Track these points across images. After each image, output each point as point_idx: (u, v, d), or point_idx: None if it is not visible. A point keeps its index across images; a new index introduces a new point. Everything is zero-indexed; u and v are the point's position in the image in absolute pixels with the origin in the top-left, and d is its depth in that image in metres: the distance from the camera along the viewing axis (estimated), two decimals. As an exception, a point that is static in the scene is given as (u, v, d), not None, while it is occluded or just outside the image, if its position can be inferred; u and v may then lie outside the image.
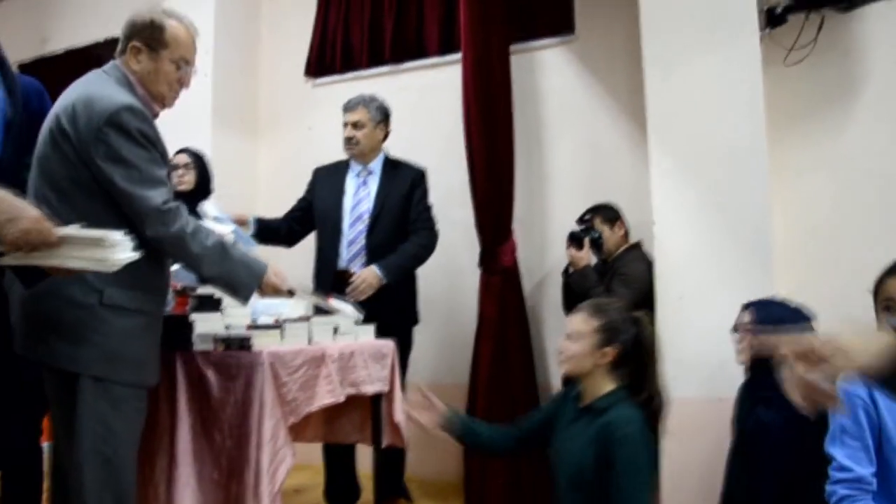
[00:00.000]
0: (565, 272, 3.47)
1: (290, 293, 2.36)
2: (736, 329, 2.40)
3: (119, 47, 2.21)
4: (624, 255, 3.43)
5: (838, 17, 3.45)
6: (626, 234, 3.51)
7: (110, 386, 2.02)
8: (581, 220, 3.50)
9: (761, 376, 2.21)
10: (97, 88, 2.10)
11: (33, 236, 1.67)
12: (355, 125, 3.51)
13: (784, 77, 3.48)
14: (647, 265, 3.29)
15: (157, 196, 2.04)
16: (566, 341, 2.12)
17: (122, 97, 2.07)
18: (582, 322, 2.12)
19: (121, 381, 2.04)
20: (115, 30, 2.28)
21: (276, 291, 2.30)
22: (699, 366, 2.95)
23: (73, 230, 1.74)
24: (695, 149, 3.17)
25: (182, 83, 2.27)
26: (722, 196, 3.10)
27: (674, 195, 3.21)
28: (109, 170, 2.00)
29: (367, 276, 3.29)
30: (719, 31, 3.16)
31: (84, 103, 2.04)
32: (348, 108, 3.54)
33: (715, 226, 3.12)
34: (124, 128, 2.02)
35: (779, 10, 3.36)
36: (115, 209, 2.04)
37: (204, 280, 2.26)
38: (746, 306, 2.40)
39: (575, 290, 3.28)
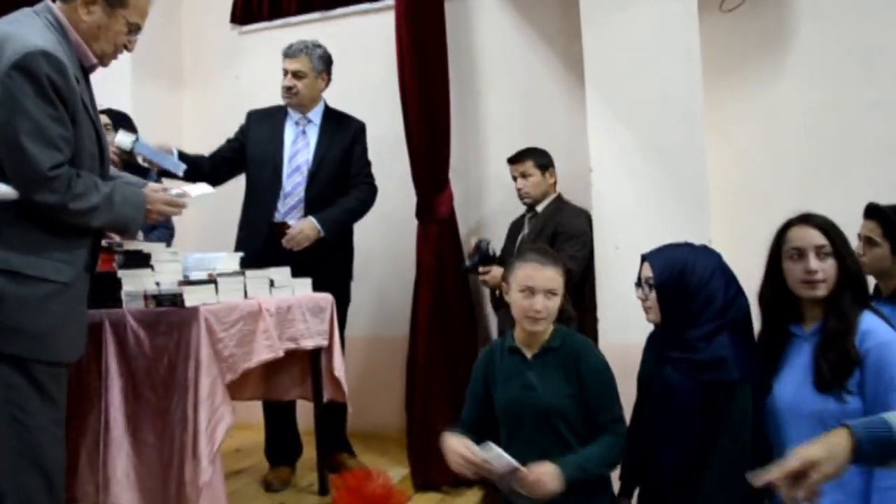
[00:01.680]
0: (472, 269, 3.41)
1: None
2: (639, 283, 2.17)
3: None
4: (557, 209, 3.40)
5: (772, -38, 3.46)
6: (555, 183, 3.49)
7: (14, 358, 1.90)
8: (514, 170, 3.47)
9: (670, 333, 2.10)
10: (16, 28, 1.95)
11: None
12: (296, 74, 3.38)
13: (720, 23, 3.50)
14: (586, 218, 3.29)
15: (48, 159, 1.91)
16: (545, 300, 2.07)
17: (39, 40, 1.92)
18: (556, 278, 2.10)
19: (19, 355, 1.90)
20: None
21: (167, 203, 2.28)
22: (637, 314, 2.97)
23: None
24: (631, 94, 3.16)
25: (127, 47, 2.15)
26: (658, 142, 3.11)
27: (610, 142, 3.20)
28: (6, 116, 1.87)
29: (305, 228, 3.21)
30: (655, -24, 3.14)
31: None
32: (289, 54, 3.40)
33: (651, 172, 3.13)
34: (34, 74, 1.88)
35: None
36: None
37: (95, 229, 2.13)
38: (644, 258, 2.18)
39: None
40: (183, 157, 3.14)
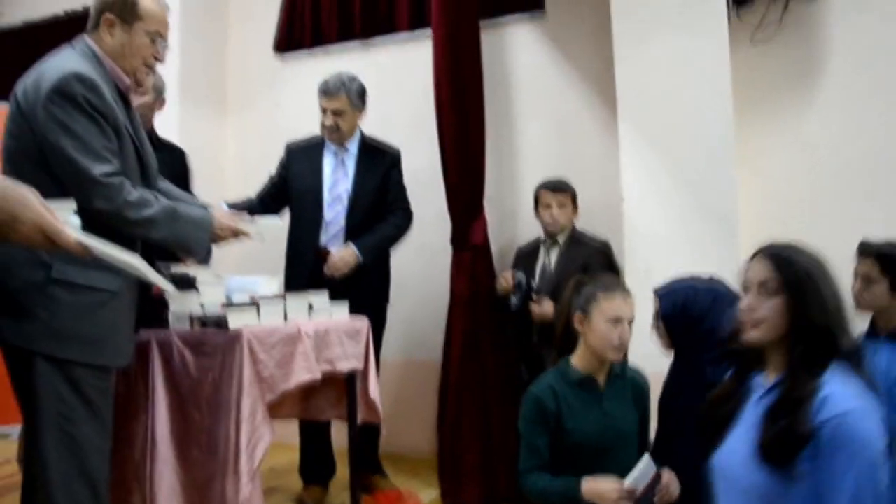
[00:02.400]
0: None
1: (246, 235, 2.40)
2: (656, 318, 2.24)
3: (90, 22, 2.18)
4: (578, 240, 3.47)
5: (803, -4, 3.51)
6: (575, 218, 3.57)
7: (66, 364, 1.98)
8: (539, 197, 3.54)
9: (684, 359, 2.19)
10: (54, 62, 2.08)
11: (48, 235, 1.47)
12: (336, 113, 3.44)
13: (751, 57, 3.55)
14: (607, 248, 3.41)
15: (98, 167, 2.00)
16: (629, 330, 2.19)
17: (72, 65, 2.03)
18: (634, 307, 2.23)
19: (73, 359, 1.99)
20: (74, 4, 2.25)
21: (234, 232, 2.35)
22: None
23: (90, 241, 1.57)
24: (663, 126, 3.23)
25: (157, 58, 2.24)
26: (690, 173, 3.17)
27: (642, 172, 3.27)
28: (54, 138, 1.98)
29: (345, 255, 3.32)
30: (687, 11, 3.21)
31: (38, 76, 2.03)
32: (328, 93, 3.44)
33: (683, 202, 3.19)
34: (70, 96, 1.99)
35: (745, -9, 3.41)
36: (62, 182, 2.00)
37: (156, 243, 2.21)
38: (655, 293, 2.25)
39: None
40: (233, 206, 3.25)
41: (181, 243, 2.25)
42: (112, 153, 2.06)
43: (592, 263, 3.30)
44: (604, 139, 3.87)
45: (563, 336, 2.25)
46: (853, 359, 1.51)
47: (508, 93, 4.20)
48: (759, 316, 1.55)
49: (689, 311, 2.15)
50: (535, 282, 3.42)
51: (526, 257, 3.61)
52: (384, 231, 3.48)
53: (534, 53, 4.18)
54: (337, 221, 3.46)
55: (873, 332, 2.40)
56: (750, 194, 3.48)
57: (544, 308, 3.30)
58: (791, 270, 1.53)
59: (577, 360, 2.21)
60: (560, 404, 2.15)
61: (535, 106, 4.16)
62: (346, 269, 3.29)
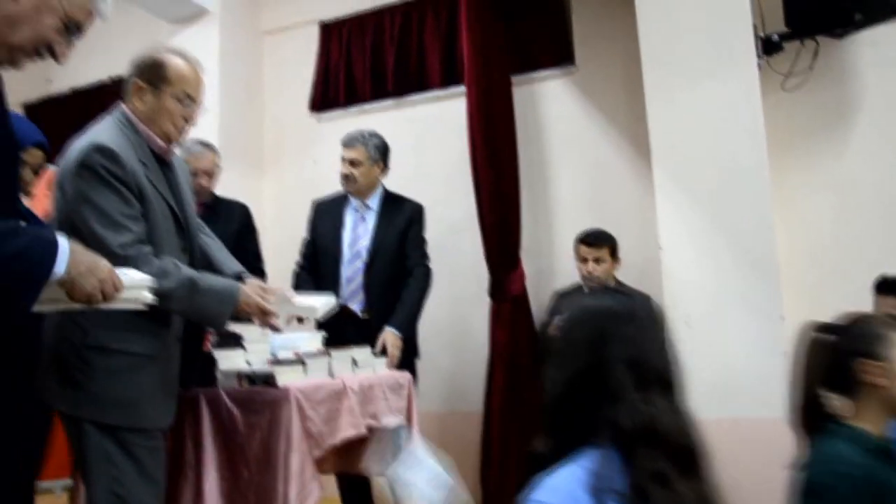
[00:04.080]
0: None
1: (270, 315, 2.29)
2: None
3: (124, 89, 2.25)
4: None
5: (832, 43, 3.55)
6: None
7: (112, 428, 2.02)
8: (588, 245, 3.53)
9: None
10: (87, 133, 2.14)
11: (108, 287, 1.67)
12: (352, 162, 3.49)
13: (783, 102, 3.57)
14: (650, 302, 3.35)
15: (116, 238, 2.03)
16: None
17: (98, 137, 2.09)
18: None
19: (116, 424, 2.02)
20: (119, 69, 2.32)
21: (261, 310, 2.23)
22: (711, 388, 2.99)
23: (125, 275, 1.76)
24: (698, 174, 3.25)
25: (188, 120, 2.26)
26: (726, 219, 3.18)
27: (679, 220, 3.28)
28: (78, 209, 2.04)
29: (392, 341, 3.26)
30: (718, 60, 3.25)
31: (71, 148, 2.11)
32: (346, 144, 3.52)
33: (720, 248, 3.19)
34: (92, 168, 2.04)
35: (775, 37, 3.45)
36: None
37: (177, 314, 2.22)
38: None
39: None
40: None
41: (200, 317, 2.22)
42: (132, 219, 2.08)
43: None
44: (638, 187, 3.90)
45: None
46: None
47: (541, 144, 4.26)
48: None
49: None
50: None
51: (566, 300, 3.58)
52: (411, 299, 3.43)
53: (565, 105, 4.24)
54: (355, 278, 3.45)
55: None
56: (788, 237, 3.48)
57: None
58: None
59: (863, 420, 1.67)
60: (878, 488, 1.59)
61: (568, 156, 4.21)
62: (399, 352, 3.26)
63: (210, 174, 3.44)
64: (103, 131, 2.14)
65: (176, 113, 2.22)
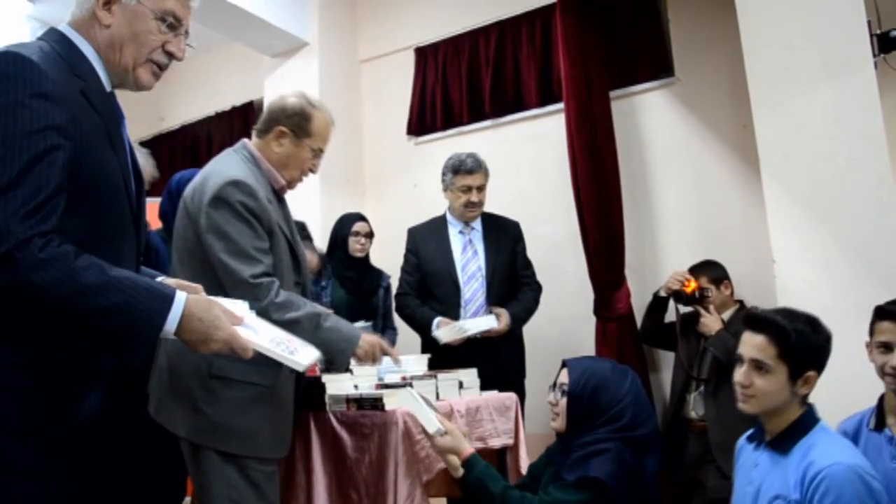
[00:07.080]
0: (681, 329, 3.38)
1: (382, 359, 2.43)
2: (553, 386, 2.19)
3: (260, 126, 2.35)
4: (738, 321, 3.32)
5: (955, 36, 3.32)
6: (732, 293, 3.43)
7: (230, 455, 2.09)
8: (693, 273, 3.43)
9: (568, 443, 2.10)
10: (217, 166, 2.25)
11: (226, 350, 1.50)
12: (481, 189, 3.53)
13: (904, 101, 3.37)
14: None
15: (248, 269, 2.12)
16: None
17: (232, 172, 2.19)
18: None
19: (234, 453, 2.09)
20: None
21: (374, 359, 2.36)
22: (829, 400, 2.83)
23: (264, 345, 1.60)
24: (812, 183, 3.09)
25: (313, 171, 2.39)
26: (846, 230, 3.00)
27: (793, 233, 3.12)
28: (210, 241, 2.13)
29: (504, 320, 3.36)
30: (830, 62, 3.09)
31: (203, 180, 2.20)
32: (472, 171, 3.50)
33: (841, 262, 3.01)
34: (227, 201, 2.14)
35: (893, 33, 3.25)
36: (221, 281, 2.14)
37: None
38: (564, 364, 2.21)
39: (719, 359, 3.19)
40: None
41: (322, 350, 2.19)
42: (263, 253, 2.18)
43: None
44: (745, 199, 3.76)
45: None
46: None
47: (643, 159, 4.17)
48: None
49: (599, 397, 2.07)
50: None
51: (684, 326, 3.45)
52: (526, 303, 3.51)
53: (666, 117, 4.14)
54: (475, 299, 3.49)
55: None
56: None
57: (713, 320, 3.24)
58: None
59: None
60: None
61: (671, 170, 4.11)
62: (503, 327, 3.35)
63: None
64: (235, 166, 2.24)
65: (307, 164, 2.36)
